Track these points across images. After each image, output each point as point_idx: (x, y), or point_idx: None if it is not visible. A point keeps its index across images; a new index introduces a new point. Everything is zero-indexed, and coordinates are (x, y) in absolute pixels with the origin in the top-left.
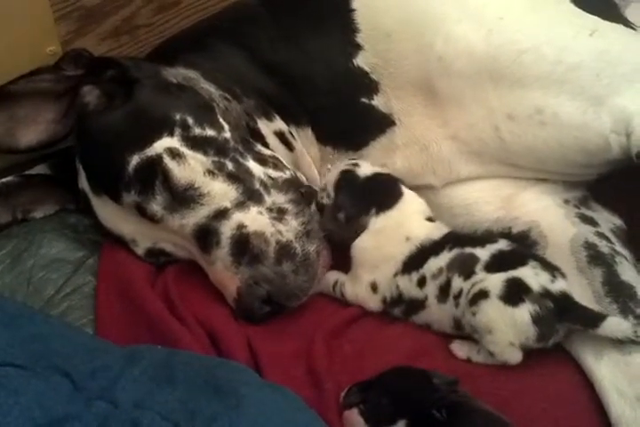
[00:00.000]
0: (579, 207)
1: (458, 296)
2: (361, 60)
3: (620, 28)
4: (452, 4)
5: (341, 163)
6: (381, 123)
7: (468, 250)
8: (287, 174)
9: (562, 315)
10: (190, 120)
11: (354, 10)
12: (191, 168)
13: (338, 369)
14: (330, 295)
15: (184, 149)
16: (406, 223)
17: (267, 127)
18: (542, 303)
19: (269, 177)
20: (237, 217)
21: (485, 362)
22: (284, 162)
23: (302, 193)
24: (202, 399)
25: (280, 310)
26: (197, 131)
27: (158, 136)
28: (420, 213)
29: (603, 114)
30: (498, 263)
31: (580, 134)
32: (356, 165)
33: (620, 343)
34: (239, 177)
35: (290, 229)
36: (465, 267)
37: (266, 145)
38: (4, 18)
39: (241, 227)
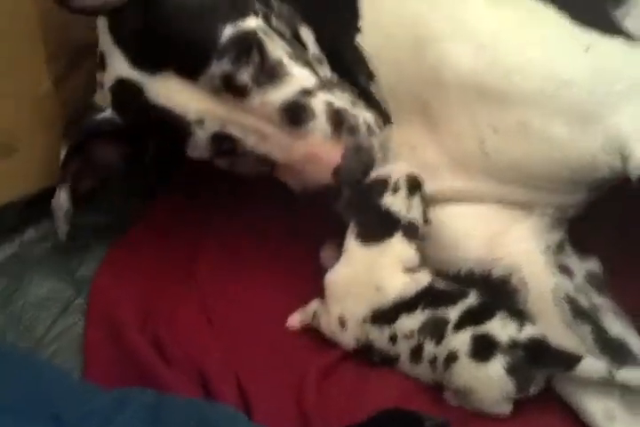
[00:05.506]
0: (556, 254)
1: (433, 361)
2: (360, 44)
3: (617, 42)
4: (447, 19)
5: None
6: (380, 110)
7: (441, 312)
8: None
9: (535, 361)
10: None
11: None
12: (280, 46)
13: (329, 411)
14: (320, 334)
15: (268, 30)
16: (379, 272)
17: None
18: (513, 354)
19: (330, 76)
20: (323, 96)
21: (478, 411)
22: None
23: None
24: None
25: None
26: (273, 22)
27: (247, 13)
28: (398, 264)
29: (593, 132)
30: (466, 320)
31: (567, 152)
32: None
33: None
34: (313, 68)
35: (365, 115)
36: (436, 330)
37: None
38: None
39: (329, 104)
